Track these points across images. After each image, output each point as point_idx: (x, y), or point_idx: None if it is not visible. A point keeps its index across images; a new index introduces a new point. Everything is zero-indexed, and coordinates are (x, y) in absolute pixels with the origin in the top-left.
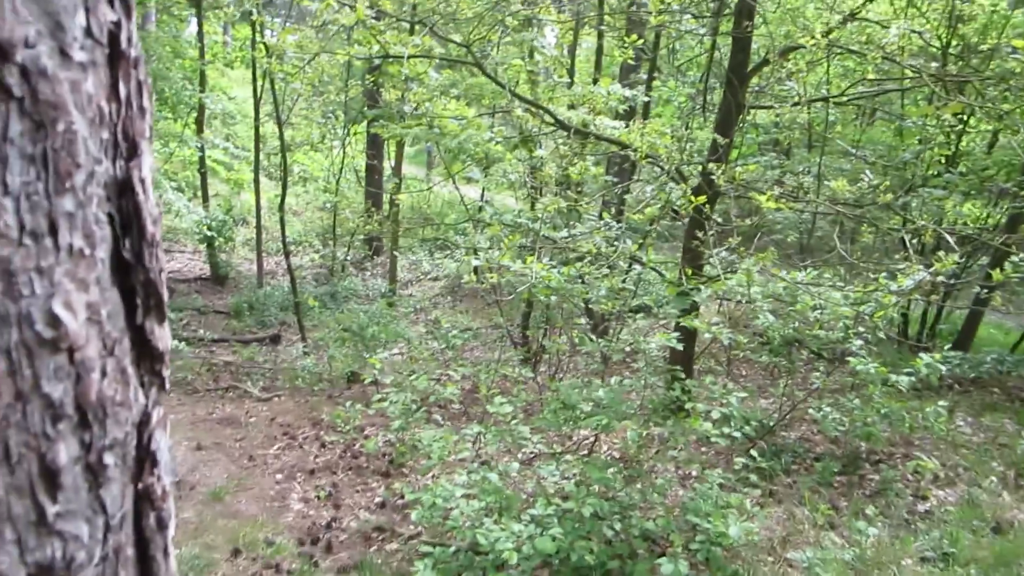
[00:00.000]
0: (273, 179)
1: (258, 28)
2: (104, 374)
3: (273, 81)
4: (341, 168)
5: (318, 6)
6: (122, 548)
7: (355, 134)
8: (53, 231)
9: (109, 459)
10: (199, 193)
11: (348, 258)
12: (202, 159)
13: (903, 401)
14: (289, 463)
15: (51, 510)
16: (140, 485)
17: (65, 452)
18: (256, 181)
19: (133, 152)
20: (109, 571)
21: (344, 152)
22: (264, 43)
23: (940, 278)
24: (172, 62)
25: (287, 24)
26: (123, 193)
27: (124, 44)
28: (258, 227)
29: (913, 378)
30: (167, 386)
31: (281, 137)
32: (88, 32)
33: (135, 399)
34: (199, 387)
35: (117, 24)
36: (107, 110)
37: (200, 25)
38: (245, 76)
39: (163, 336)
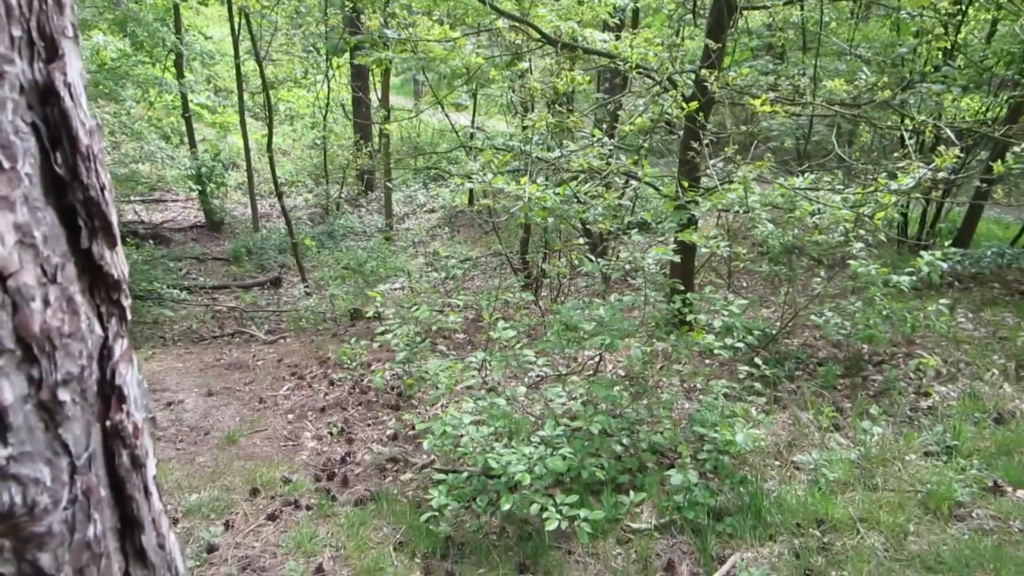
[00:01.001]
0: (259, 119)
1: None
2: (47, 303)
3: (249, 17)
4: (327, 103)
5: None
6: (93, 489)
7: (338, 67)
8: None
9: (64, 395)
10: (185, 139)
11: (342, 196)
12: (185, 103)
13: (904, 301)
14: (299, 403)
15: (2, 453)
16: (108, 423)
17: (10, 390)
18: (242, 123)
19: (54, 52)
20: (80, 514)
21: (329, 86)
22: None
23: (941, 174)
24: (143, 2)
25: None
26: (47, 100)
27: None
28: (248, 170)
29: (914, 278)
30: (128, 316)
31: (262, 75)
32: None
33: (90, 330)
34: (204, 334)
35: None
36: (15, 2)
37: None
38: (221, 14)
39: (116, 262)
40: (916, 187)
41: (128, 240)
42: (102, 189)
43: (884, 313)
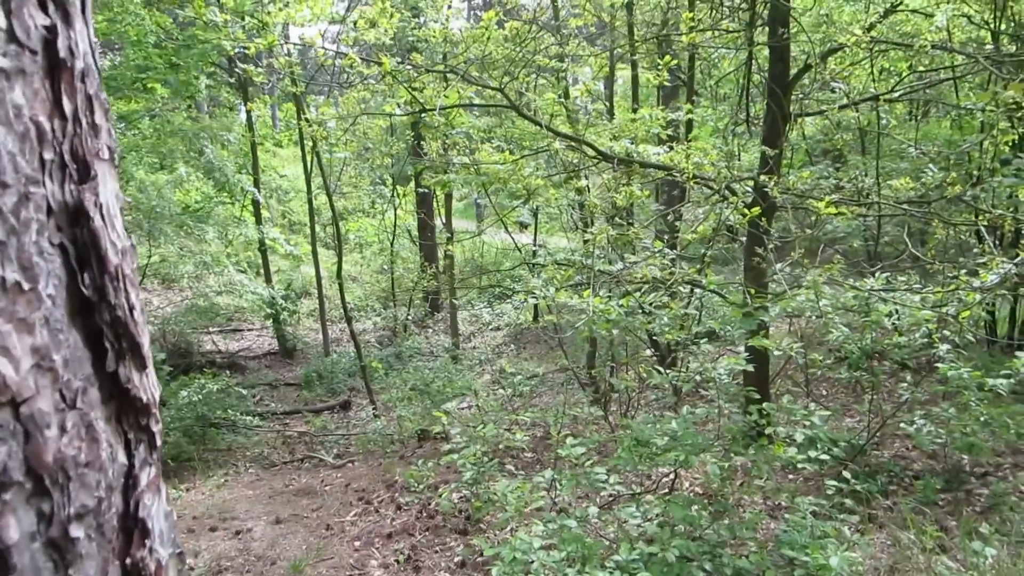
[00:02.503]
0: (330, 249)
1: (302, 106)
2: (63, 430)
3: (319, 154)
4: (394, 229)
5: (355, 73)
6: None
7: (404, 195)
8: None
9: (78, 531)
10: (261, 271)
11: (409, 317)
12: (261, 239)
13: (1004, 406)
14: (366, 529)
15: None
16: (128, 560)
17: (16, 527)
18: (314, 253)
19: (86, 174)
20: None
21: (395, 213)
22: (307, 118)
23: None
24: (225, 149)
25: (328, 98)
26: (76, 221)
27: (64, 52)
28: (320, 297)
29: (1012, 380)
30: (158, 442)
31: (332, 207)
32: (11, 36)
33: (112, 459)
34: (275, 460)
35: (52, 30)
36: (48, 127)
37: (249, 113)
38: (296, 154)
39: (146, 385)
40: (1002, 283)
41: (206, 370)
42: (131, 310)
43: (982, 420)
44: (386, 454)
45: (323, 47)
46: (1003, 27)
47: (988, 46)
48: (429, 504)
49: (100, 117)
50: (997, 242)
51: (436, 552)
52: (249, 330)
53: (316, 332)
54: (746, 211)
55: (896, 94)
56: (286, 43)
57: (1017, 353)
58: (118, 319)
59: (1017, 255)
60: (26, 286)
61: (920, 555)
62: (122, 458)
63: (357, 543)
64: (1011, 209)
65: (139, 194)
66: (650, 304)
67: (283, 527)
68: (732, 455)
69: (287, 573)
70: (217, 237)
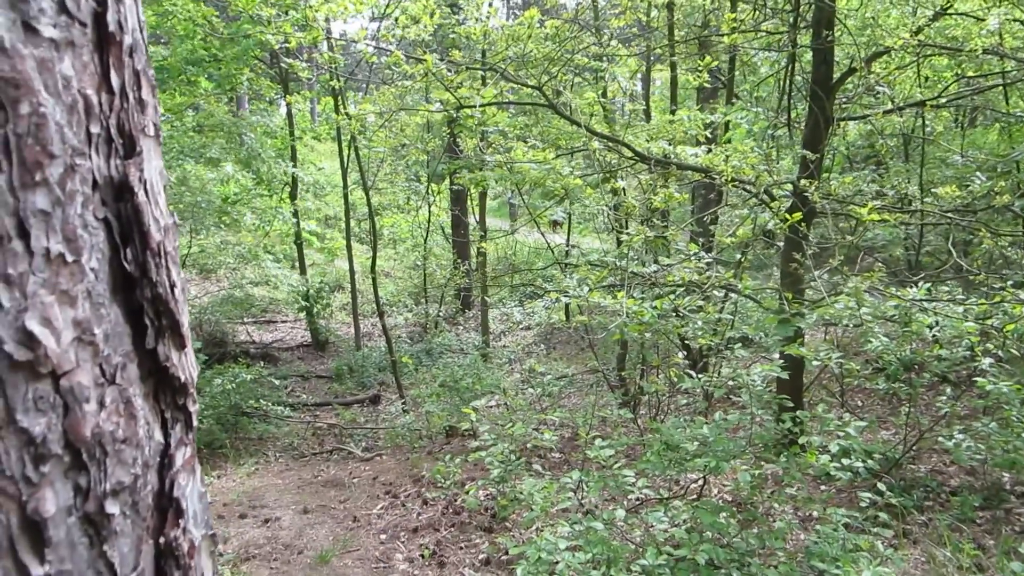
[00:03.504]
0: (364, 244)
1: (341, 101)
2: (102, 405)
3: (358, 149)
4: (428, 226)
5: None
6: None
7: (439, 192)
8: (23, 233)
9: (113, 507)
10: (296, 264)
11: (440, 314)
12: (297, 232)
13: None
14: (392, 522)
15: (37, 572)
16: (162, 539)
17: (53, 500)
18: (348, 247)
19: (132, 149)
20: None
21: (430, 210)
22: (347, 113)
23: None
24: (264, 142)
25: (367, 95)
26: (121, 195)
27: (113, 27)
28: (353, 291)
29: None
30: (194, 422)
31: (368, 203)
32: (62, 7)
33: (148, 436)
34: (305, 451)
35: (101, 3)
36: (95, 100)
37: (288, 107)
38: (333, 149)
39: (184, 364)
40: None
41: (240, 359)
42: (171, 287)
43: None
44: (414, 449)
45: (366, 43)
46: None
47: None
48: (455, 500)
49: (147, 93)
50: None
51: (461, 548)
52: (283, 322)
53: (348, 326)
54: (787, 216)
55: (943, 100)
56: (329, 38)
57: None
58: (159, 296)
59: None
60: (70, 258)
61: (956, 573)
62: (159, 436)
63: (383, 536)
64: None
65: (181, 187)
66: (684, 308)
67: (311, 517)
68: (763, 463)
69: (314, 563)
70: (254, 229)
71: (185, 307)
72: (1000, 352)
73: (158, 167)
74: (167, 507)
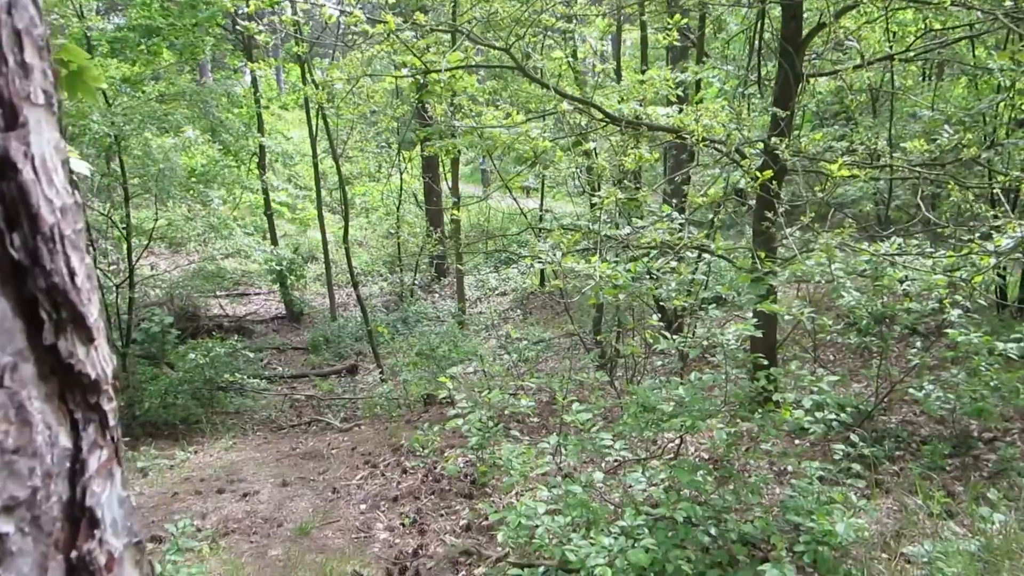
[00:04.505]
0: (337, 214)
1: (307, 68)
2: None
3: (326, 117)
4: (400, 194)
5: (359, 34)
6: None
7: (410, 159)
8: None
9: (7, 526)
10: (267, 235)
11: (416, 282)
12: (267, 201)
13: (1015, 371)
14: (372, 492)
15: None
16: (73, 553)
17: None
18: (320, 217)
19: (13, 120)
20: None
21: (401, 178)
22: (314, 81)
23: None
24: (229, 111)
25: (334, 61)
26: (3, 174)
27: None
28: (326, 262)
29: (1023, 344)
30: (111, 421)
31: (339, 171)
32: None
33: (50, 442)
34: (283, 423)
35: None
36: None
37: (253, 75)
38: (301, 118)
39: (95, 359)
40: (1017, 248)
41: (214, 333)
42: (71, 275)
43: (992, 385)
44: (392, 418)
45: (327, 3)
46: None
47: (1008, 3)
48: (435, 468)
49: (32, 55)
50: (1010, 206)
51: (441, 515)
52: (256, 294)
53: (323, 297)
54: (757, 174)
55: (911, 54)
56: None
57: None
58: (55, 286)
59: None
60: None
61: (927, 520)
62: (65, 441)
63: (363, 506)
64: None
65: (146, 159)
66: (657, 270)
67: (290, 490)
68: (739, 420)
69: (293, 535)
70: (224, 201)
71: (94, 296)
72: (968, 303)
73: (52, 140)
74: (80, 517)
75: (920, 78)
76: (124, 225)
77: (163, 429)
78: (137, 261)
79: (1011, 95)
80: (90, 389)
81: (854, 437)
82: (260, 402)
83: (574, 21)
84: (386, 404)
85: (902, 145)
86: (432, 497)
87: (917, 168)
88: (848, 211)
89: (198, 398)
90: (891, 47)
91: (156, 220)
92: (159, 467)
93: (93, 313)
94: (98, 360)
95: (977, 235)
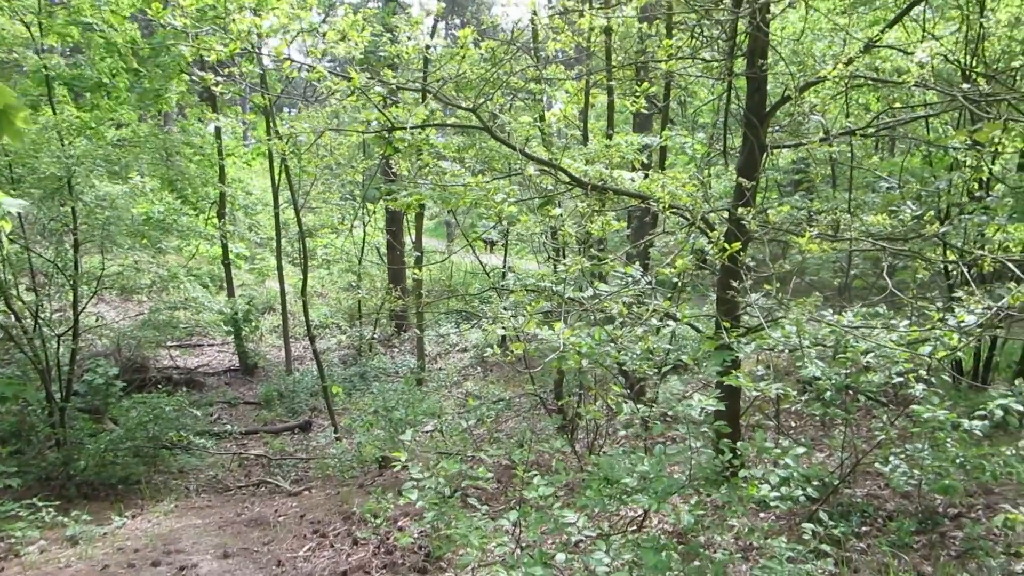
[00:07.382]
0: (297, 265)
1: (271, 119)
2: None
3: (288, 168)
4: (363, 247)
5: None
6: None
7: (374, 212)
8: None
9: None
10: (224, 286)
11: (375, 336)
12: (225, 250)
13: (980, 447)
14: (320, 566)
15: None
16: None
17: None
18: (279, 268)
19: None
20: None
21: (364, 231)
22: (277, 132)
23: (1010, 311)
24: (191, 160)
25: (299, 112)
26: None
27: None
28: (284, 313)
29: (986, 422)
30: None
31: (299, 222)
32: None
33: None
34: (229, 484)
35: None
36: None
37: (217, 129)
38: (265, 166)
39: None
40: (986, 323)
41: (162, 386)
42: None
43: (957, 461)
44: (344, 481)
45: (289, 58)
46: (976, 66)
47: (965, 85)
48: (388, 539)
49: None
50: (975, 280)
51: None
52: (210, 345)
53: (279, 349)
54: (725, 245)
55: (872, 130)
56: (252, 51)
57: (991, 392)
58: None
59: (996, 293)
60: None
61: None
62: None
63: None
64: (980, 247)
65: (96, 205)
66: (621, 338)
67: (231, 562)
68: (704, 496)
69: None
70: (178, 250)
71: None
72: (933, 379)
73: None
74: None
75: (873, 151)
76: (70, 272)
77: (100, 490)
78: (82, 309)
79: (964, 172)
80: None
81: (823, 514)
82: (207, 460)
83: (544, 83)
84: (339, 465)
85: (864, 217)
86: (383, 572)
87: (881, 242)
88: (809, 278)
89: (140, 456)
90: (852, 122)
91: (103, 268)
92: (90, 535)
93: None
94: None
95: (935, 307)
